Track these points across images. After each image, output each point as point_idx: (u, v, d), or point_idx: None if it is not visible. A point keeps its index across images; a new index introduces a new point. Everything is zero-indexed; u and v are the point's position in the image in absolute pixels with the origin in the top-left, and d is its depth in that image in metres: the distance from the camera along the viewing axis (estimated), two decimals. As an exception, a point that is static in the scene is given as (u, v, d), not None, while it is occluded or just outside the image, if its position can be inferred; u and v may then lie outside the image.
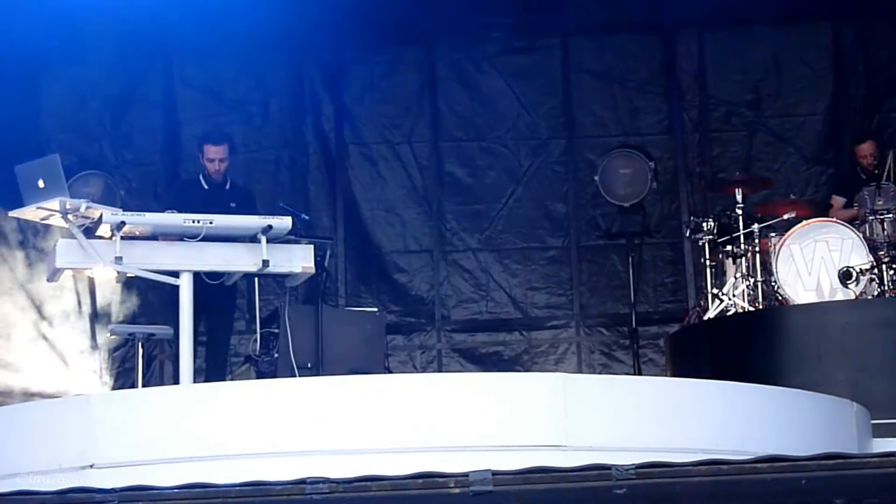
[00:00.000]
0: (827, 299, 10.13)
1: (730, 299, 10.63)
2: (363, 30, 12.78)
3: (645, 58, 12.80)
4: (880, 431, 8.32)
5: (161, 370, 12.16)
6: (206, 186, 9.80)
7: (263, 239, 8.36)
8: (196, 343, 9.03)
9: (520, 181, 12.70)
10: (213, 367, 9.67)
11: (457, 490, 5.26)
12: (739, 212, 10.83)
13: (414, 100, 12.86)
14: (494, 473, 5.32)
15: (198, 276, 8.46)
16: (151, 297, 11.80)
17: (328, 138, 12.83)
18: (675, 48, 12.82)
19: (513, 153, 12.75)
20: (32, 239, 11.49)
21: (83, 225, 8.21)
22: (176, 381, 8.84)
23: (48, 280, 9.15)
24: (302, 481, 5.40)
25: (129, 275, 8.44)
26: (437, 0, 12.63)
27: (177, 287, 8.34)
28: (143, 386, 9.67)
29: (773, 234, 10.63)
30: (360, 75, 12.89)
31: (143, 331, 9.71)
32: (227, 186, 9.84)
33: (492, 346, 12.66)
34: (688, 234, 11.45)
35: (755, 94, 12.67)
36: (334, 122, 12.83)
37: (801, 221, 10.49)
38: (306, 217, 9.86)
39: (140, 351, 9.65)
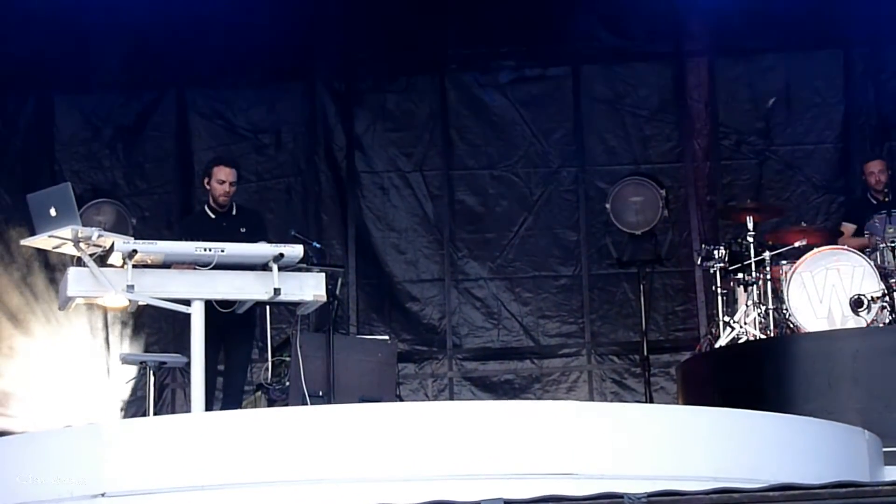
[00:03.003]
0: (838, 327, 10.11)
1: (741, 327, 10.62)
2: (375, 58, 12.84)
3: (656, 86, 12.82)
4: (892, 459, 8.29)
5: (173, 398, 12.18)
6: (212, 216, 9.82)
7: (275, 267, 8.38)
8: (215, 372, 9.06)
9: (531, 209, 12.72)
10: (229, 396, 9.68)
11: (469, 518, 5.26)
12: (750, 239, 10.82)
13: (425, 128, 12.90)
14: (507, 502, 5.32)
15: (209, 305, 8.48)
16: (164, 326, 11.84)
17: (340, 167, 12.85)
18: (685, 77, 12.84)
19: (524, 181, 12.77)
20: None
21: (95, 253, 8.23)
22: (187, 409, 8.84)
23: (59, 308, 9.18)
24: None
25: (140, 303, 8.45)
26: (449, 29, 12.68)
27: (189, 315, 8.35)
28: (155, 414, 9.67)
29: (784, 262, 10.61)
30: (372, 104, 12.92)
31: (155, 359, 9.71)
32: (234, 213, 9.87)
33: (503, 375, 12.65)
34: (699, 262, 11.44)
35: (765, 122, 12.69)
36: (346, 151, 12.86)
37: (812, 249, 10.48)
38: (318, 245, 9.85)
39: (152, 379, 9.65)
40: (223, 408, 9.48)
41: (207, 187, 9.85)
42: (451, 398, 12.42)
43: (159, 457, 6.79)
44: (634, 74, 12.84)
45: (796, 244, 10.71)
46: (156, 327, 12.16)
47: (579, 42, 12.77)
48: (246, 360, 9.97)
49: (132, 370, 11.99)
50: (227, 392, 9.74)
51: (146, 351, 11.66)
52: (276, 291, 8.36)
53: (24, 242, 8.58)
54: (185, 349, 8.81)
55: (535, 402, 11.30)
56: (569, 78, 12.91)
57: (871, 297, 10.04)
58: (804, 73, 12.67)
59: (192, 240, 8.84)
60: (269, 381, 9.82)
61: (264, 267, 8.43)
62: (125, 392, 12.12)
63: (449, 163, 12.86)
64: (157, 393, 10.69)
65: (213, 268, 8.36)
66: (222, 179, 9.78)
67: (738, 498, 5.34)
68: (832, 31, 12.48)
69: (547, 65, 12.90)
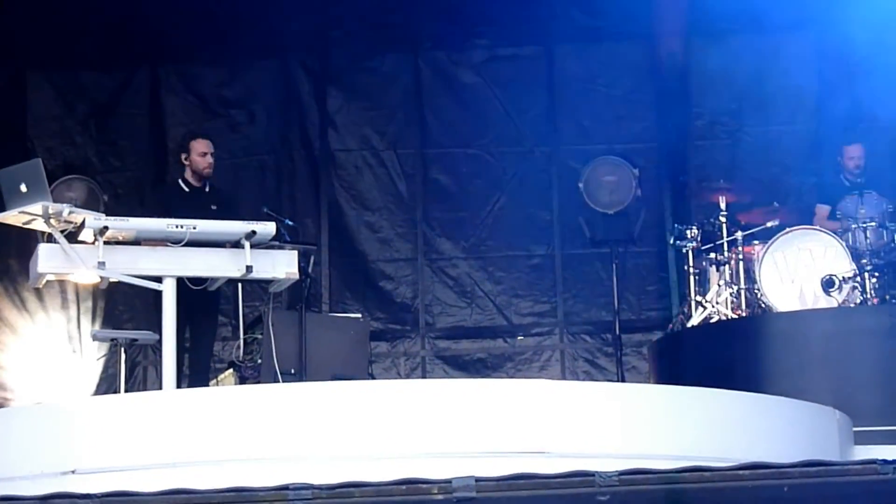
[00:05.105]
0: (810, 307, 10.15)
1: (713, 307, 10.65)
2: (349, 37, 12.80)
3: (629, 66, 12.82)
4: (862, 439, 8.34)
5: (144, 376, 12.15)
6: (186, 190, 9.79)
7: (247, 244, 8.36)
8: (181, 349, 9.03)
9: (504, 189, 12.72)
10: (196, 374, 9.66)
11: (440, 496, 5.27)
12: (723, 220, 10.86)
13: (399, 107, 12.88)
14: (478, 480, 5.33)
15: (181, 282, 8.45)
16: (136, 303, 11.80)
17: (313, 145, 12.83)
18: (659, 57, 12.84)
19: (497, 161, 12.77)
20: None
21: (66, 230, 8.19)
22: (159, 386, 8.83)
23: (30, 285, 9.14)
24: (285, 487, 5.40)
25: (112, 280, 8.42)
26: (423, 8, 12.65)
27: (160, 292, 8.32)
28: (126, 391, 9.65)
29: (756, 242, 10.66)
30: (346, 82, 12.89)
31: (126, 336, 9.70)
32: (207, 189, 9.83)
33: (476, 353, 12.67)
34: (671, 242, 11.48)
35: (738, 103, 12.70)
36: (320, 129, 12.83)
37: (784, 229, 10.51)
38: (291, 223, 9.85)
39: (123, 356, 9.63)
40: (190, 385, 9.46)
41: (186, 163, 9.78)
42: (424, 376, 12.43)
43: (130, 434, 6.77)
44: (608, 54, 12.83)
45: (768, 224, 10.75)
46: (128, 304, 12.12)
47: (553, 22, 12.75)
48: (212, 336, 9.95)
49: (103, 347, 11.96)
50: (195, 369, 9.72)
51: (117, 328, 11.62)
52: (249, 269, 8.35)
53: (-7, 219, 8.53)
54: (155, 326, 8.79)
55: (507, 380, 11.32)
56: (542, 57, 12.91)
57: (843, 277, 10.08)
58: (777, 54, 12.67)
59: (164, 211, 8.82)
60: (240, 358, 9.80)
61: (236, 244, 8.42)
62: (96, 369, 12.09)
63: (423, 142, 12.85)
64: (129, 370, 10.68)
65: (185, 245, 8.34)
66: (204, 151, 9.75)
67: (709, 476, 5.35)
68: (805, 13, 12.48)
69: (521, 44, 12.89)
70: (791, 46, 12.70)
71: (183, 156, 9.83)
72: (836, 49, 12.66)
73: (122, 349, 9.49)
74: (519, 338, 12.55)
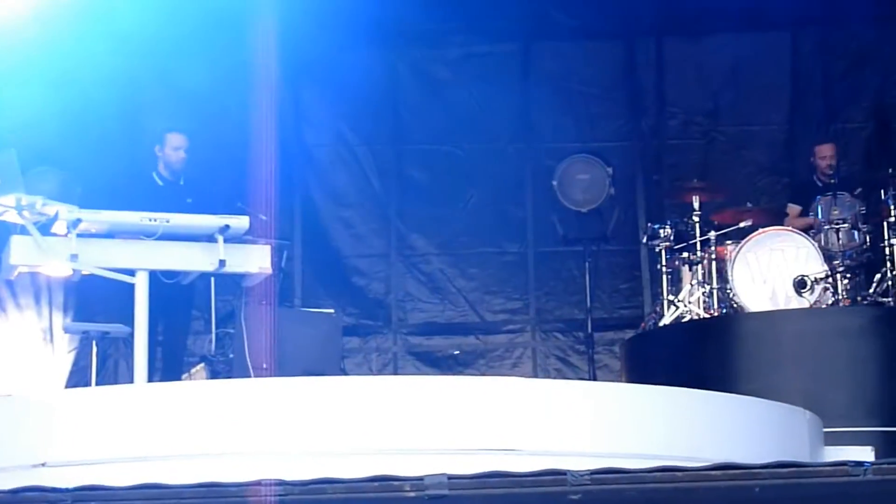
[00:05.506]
0: (782, 307, 10.18)
1: (685, 306, 10.67)
2: (324, 31, 12.76)
3: (605, 65, 12.84)
4: (832, 440, 8.37)
5: (116, 369, 12.10)
6: (160, 183, 9.79)
7: (220, 238, 8.35)
8: (153, 343, 9.01)
9: (478, 186, 12.71)
10: (168, 367, 9.64)
11: (412, 494, 5.27)
12: (696, 219, 10.88)
13: (374, 103, 12.85)
14: (450, 478, 5.33)
15: (154, 275, 8.43)
16: (109, 295, 11.74)
17: (288, 139, 12.80)
18: (634, 56, 12.87)
19: (472, 158, 12.76)
20: None
21: (39, 221, 8.16)
22: (130, 380, 8.80)
23: (2, 277, 9.09)
24: (257, 483, 5.39)
25: (84, 272, 8.39)
26: (399, 3, 12.63)
27: (133, 285, 8.31)
28: (98, 384, 9.62)
29: (729, 242, 10.68)
30: (321, 77, 12.86)
31: (98, 329, 9.66)
32: (182, 182, 9.83)
33: (448, 350, 12.67)
34: (644, 241, 11.49)
35: (713, 102, 12.74)
36: (295, 123, 12.81)
37: (757, 230, 10.54)
38: (264, 217, 9.83)
39: (94, 349, 9.60)
40: (162, 379, 9.44)
41: (160, 154, 9.83)
42: (396, 372, 12.42)
43: (102, 427, 6.75)
44: (583, 53, 12.84)
45: (741, 224, 10.77)
46: (100, 297, 12.06)
47: (529, 19, 12.76)
48: (184, 330, 9.95)
49: (75, 340, 11.91)
50: (167, 363, 9.70)
51: (89, 321, 11.57)
52: (222, 263, 8.35)
53: (-33, 210, 8.48)
54: (128, 319, 8.76)
55: (479, 377, 11.34)
56: (518, 55, 12.92)
57: (815, 278, 10.11)
58: (752, 54, 12.71)
59: (137, 202, 8.80)
60: (213, 353, 9.79)
61: (210, 238, 8.40)
62: (68, 362, 12.05)
63: (397, 137, 12.84)
64: (100, 363, 10.63)
65: (159, 238, 8.32)
66: (177, 146, 9.79)
67: (681, 476, 5.36)
68: (780, 13, 12.52)
69: (497, 41, 12.89)
70: (765, 46, 12.74)
71: (157, 148, 9.86)
72: (811, 49, 12.72)
73: (94, 342, 9.45)
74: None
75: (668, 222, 11.14)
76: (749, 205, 11.42)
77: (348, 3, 12.51)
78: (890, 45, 12.47)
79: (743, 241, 10.44)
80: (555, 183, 12.28)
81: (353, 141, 12.81)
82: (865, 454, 8.29)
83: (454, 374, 12.22)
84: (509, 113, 12.84)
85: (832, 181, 11.03)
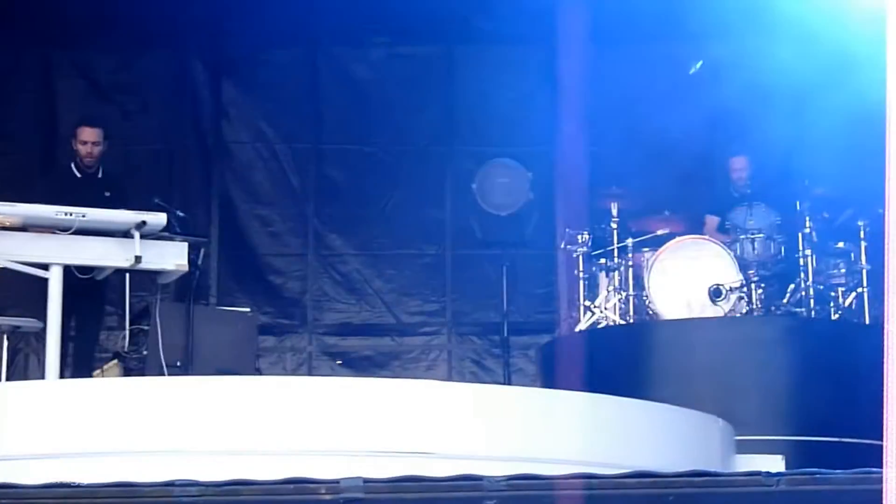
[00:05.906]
0: (697, 315, 10.25)
1: (601, 312, 10.72)
2: (246, 29, 12.69)
3: (527, 70, 12.87)
4: (744, 448, 8.44)
5: (26, 364, 11.95)
6: (78, 175, 9.71)
7: (137, 234, 8.27)
8: (65, 338, 8.90)
9: (398, 187, 12.70)
10: (80, 363, 9.55)
11: (328, 497, 5.25)
12: (614, 226, 10.93)
13: (295, 101, 12.80)
14: (366, 481, 5.32)
15: (68, 270, 8.34)
16: (22, 289, 11.59)
17: (207, 136, 12.72)
18: (556, 62, 12.89)
19: (392, 159, 12.75)
20: None
21: (-50, 215, 8.05)
22: (41, 375, 8.70)
23: (-88, 270, 8.95)
24: (171, 483, 5.35)
25: (-3, 266, 8.29)
26: (323, 2, 12.58)
27: (47, 280, 8.21)
28: (7, 380, 9.49)
29: (646, 249, 10.73)
30: (242, 74, 12.80)
31: (9, 323, 9.55)
32: (100, 175, 9.76)
33: (363, 351, 12.65)
34: (562, 246, 11.51)
35: (633, 110, 12.79)
36: (213, 120, 12.73)
37: (674, 238, 10.61)
38: (181, 214, 9.75)
39: (5, 344, 9.48)
40: (73, 375, 9.35)
41: (74, 148, 9.77)
42: (310, 372, 12.38)
43: (11, 424, 6.67)
44: (506, 57, 12.86)
45: (659, 232, 10.84)
46: (11, 290, 11.91)
47: (453, 23, 12.76)
48: (97, 326, 9.87)
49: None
50: (78, 358, 9.61)
51: (0, 314, 11.42)
52: (138, 259, 8.26)
53: None
54: (40, 313, 8.66)
55: (394, 380, 11.31)
56: (442, 58, 12.92)
57: (730, 287, 10.20)
58: (670, 63, 12.78)
59: (53, 194, 8.71)
60: (126, 349, 9.68)
61: (126, 234, 8.32)
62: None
63: (317, 137, 12.79)
64: (10, 358, 10.49)
65: (74, 232, 8.23)
66: (85, 140, 9.72)
67: (597, 483, 5.39)
68: (693, 20, 12.57)
69: (420, 44, 12.89)
70: (685, 56, 12.81)
71: (73, 141, 9.81)
72: (729, 60, 12.80)
73: (5, 336, 9.33)
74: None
75: (587, 228, 11.18)
76: (667, 213, 11.49)
77: (271, 1, 12.46)
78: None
79: (660, 249, 10.50)
80: (474, 186, 12.29)
81: (273, 139, 12.75)
82: (776, 463, 8.37)
83: (368, 374, 12.19)
84: (431, 115, 12.84)
85: (748, 191, 11.14)
